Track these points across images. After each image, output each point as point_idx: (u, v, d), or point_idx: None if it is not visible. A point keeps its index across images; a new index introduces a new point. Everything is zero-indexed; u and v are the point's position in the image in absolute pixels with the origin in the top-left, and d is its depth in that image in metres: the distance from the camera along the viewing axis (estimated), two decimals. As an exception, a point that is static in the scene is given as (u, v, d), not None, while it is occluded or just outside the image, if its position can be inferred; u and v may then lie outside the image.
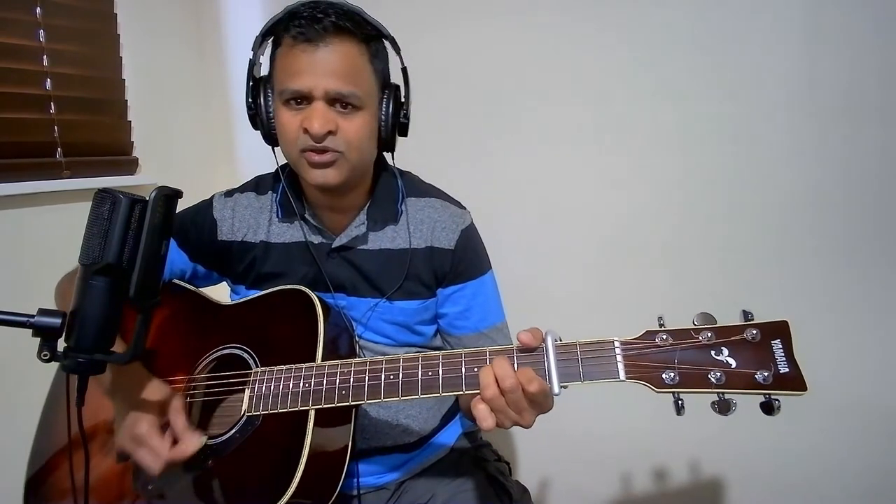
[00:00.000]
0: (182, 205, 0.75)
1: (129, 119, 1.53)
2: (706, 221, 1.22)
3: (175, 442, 0.73)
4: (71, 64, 1.40)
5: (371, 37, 0.81)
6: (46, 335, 0.59)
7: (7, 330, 0.59)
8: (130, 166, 1.54)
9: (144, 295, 0.61)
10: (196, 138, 1.69)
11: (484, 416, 0.63)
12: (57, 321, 0.59)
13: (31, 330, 0.59)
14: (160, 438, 0.72)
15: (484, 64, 1.36)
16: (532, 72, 1.32)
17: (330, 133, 0.78)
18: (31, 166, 1.32)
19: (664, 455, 1.30)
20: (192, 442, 0.72)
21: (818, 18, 1.08)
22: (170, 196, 0.62)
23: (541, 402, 0.64)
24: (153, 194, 0.60)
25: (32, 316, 0.59)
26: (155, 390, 0.75)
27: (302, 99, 0.78)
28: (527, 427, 0.65)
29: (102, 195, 0.59)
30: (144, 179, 1.53)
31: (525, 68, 1.33)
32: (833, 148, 1.10)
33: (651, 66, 1.22)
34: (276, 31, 0.81)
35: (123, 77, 1.51)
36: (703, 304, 1.20)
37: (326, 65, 0.77)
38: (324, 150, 0.79)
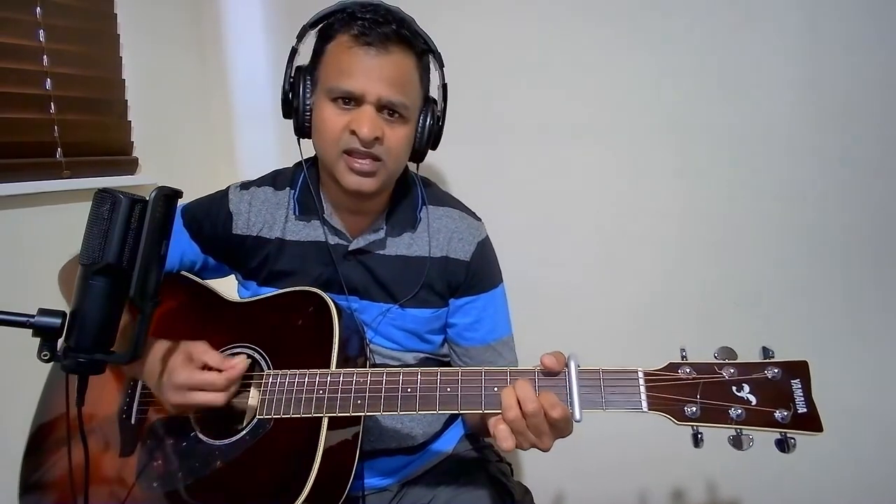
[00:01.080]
0: (189, 198, 0.74)
1: (129, 119, 1.53)
2: (709, 221, 1.22)
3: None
4: (71, 64, 1.40)
5: (423, 50, 0.82)
6: (46, 335, 0.59)
7: (7, 330, 0.59)
8: (130, 166, 1.53)
9: (144, 295, 0.60)
10: (196, 138, 1.68)
11: (504, 436, 0.63)
12: (57, 321, 0.59)
13: (31, 330, 0.59)
14: (207, 373, 0.71)
15: (485, 66, 1.36)
16: (533, 71, 1.32)
17: (377, 139, 0.78)
18: (31, 166, 1.32)
19: (667, 457, 1.29)
20: (238, 363, 0.73)
21: (818, 20, 1.08)
22: (170, 196, 0.61)
23: (562, 428, 0.64)
24: (153, 194, 0.60)
25: (32, 316, 0.59)
26: (172, 346, 0.74)
27: (350, 100, 0.78)
28: (545, 450, 0.64)
29: (102, 195, 0.59)
30: (144, 179, 1.53)
31: (526, 72, 1.33)
32: (834, 151, 1.10)
33: (654, 68, 1.22)
34: (330, 26, 0.80)
35: (123, 77, 1.51)
36: (706, 305, 1.21)
37: (384, 71, 0.77)
38: (366, 156, 0.79)
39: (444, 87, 0.88)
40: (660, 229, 1.26)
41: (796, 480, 1.21)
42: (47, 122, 1.35)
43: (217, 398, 0.71)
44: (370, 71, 0.77)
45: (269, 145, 1.58)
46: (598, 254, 1.33)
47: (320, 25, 0.82)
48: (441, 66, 0.86)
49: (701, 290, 1.24)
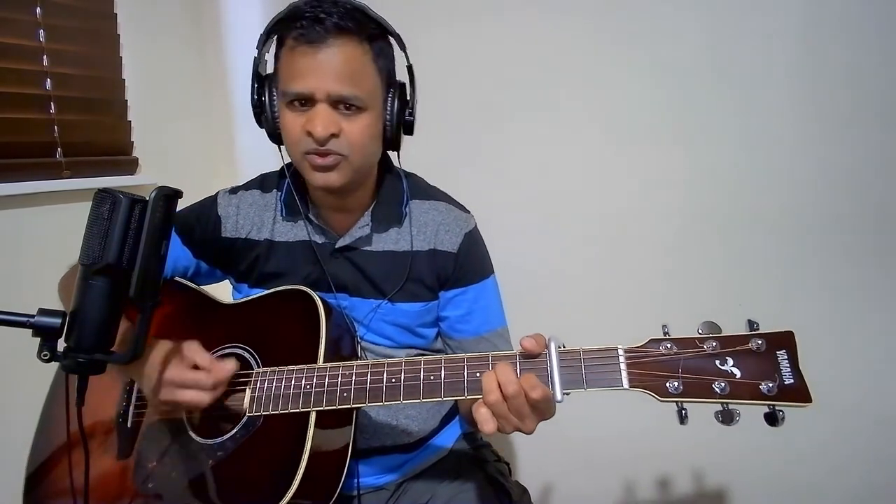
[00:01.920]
0: (182, 203, 0.75)
1: (129, 119, 1.53)
2: (709, 221, 1.22)
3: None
4: (71, 64, 1.40)
5: (375, 35, 0.80)
6: (46, 335, 0.59)
7: (7, 330, 0.59)
8: (130, 166, 1.54)
9: (144, 295, 0.61)
10: (196, 138, 1.69)
11: (485, 419, 0.63)
12: (57, 321, 0.59)
13: (31, 330, 0.59)
14: (196, 372, 0.72)
15: (484, 63, 1.36)
16: (533, 72, 1.32)
17: (333, 136, 0.77)
18: (31, 166, 1.32)
19: (665, 457, 1.29)
20: (226, 365, 0.73)
21: (820, 20, 1.08)
22: (170, 196, 0.61)
23: (543, 409, 0.64)
24: (153, 194, 0.60)
25: (32, 316, 0.59)
26: (166, 346, 0.75)
27: (305, 101, 0.78)
28: (528, 433, 0.65)
29: (102, 195, 0.59)
30: (144, 179, 1.53)
31: (525, 68, 1.33)
32: (834, 150, 1.10)
33: (654, 68, 1.22)
34: (280, 30, 0.80)
35: (123, 77, 1.51)
36: (705, 304, 1.21)
37: (328, 67, 0.76)
38: (326, 153, 0.78)
39: (409, 68, 0.86)
40: (661, 227, 1.26)
41: (795, 478, 1.21)
42: (47, 122, 1.36)
43: (202, 398, 0.72)
44: (316, 69, 0.76)
45: (269, 145, 1.56)
46: (597, 252, 1.33)
47: (274, 32, 0.82)
48: (403, 47, 0.84)
49: (702, 289, 1.24)
